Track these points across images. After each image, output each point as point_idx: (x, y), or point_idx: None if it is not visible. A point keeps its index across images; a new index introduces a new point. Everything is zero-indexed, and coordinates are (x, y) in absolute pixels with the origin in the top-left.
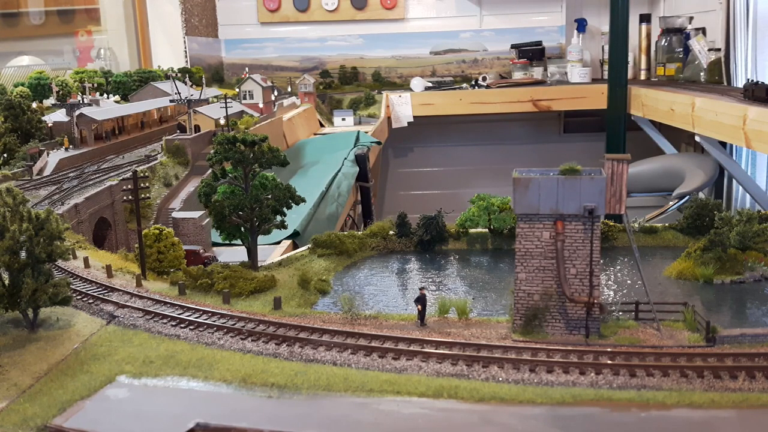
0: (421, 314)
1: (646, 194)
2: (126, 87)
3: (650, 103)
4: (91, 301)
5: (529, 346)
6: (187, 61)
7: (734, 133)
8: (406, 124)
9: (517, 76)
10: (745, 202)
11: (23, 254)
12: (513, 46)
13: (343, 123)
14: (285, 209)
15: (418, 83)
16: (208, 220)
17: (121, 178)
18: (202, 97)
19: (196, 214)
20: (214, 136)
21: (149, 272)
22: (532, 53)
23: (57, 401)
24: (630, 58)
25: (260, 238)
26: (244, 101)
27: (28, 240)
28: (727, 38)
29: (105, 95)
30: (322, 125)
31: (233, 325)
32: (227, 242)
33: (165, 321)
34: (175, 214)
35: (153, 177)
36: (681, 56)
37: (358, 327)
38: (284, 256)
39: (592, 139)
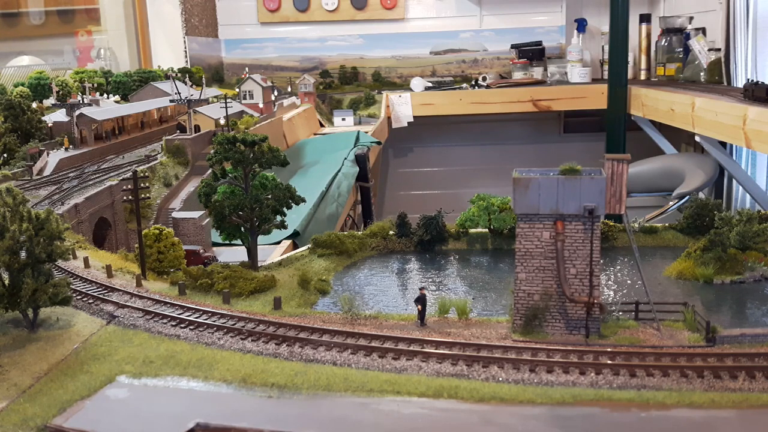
0: (421, 314)
1: (646, 194)
2: (126, 87)
3: (650, 103)
4: (91, 301)
5: (529, 346)
6: (187, 61)
7: (734, 133)
8: (406, 124)
9: (517, 76)
10: (745, 202)
11: (23, 254)
12: (513, 46)
13: (343, 123)
14: (285, 209)
15: (418, 83)
16: (208, 220)
17: (121, 178)
18: (202, 97)
19: (196, 214)
20: (214, 136)
21: (149, 272)
22: (532, 53)
23: (57, 401)
24: (630, 58)
25: (260, 238)
26: (244, 101)
27: (28, 240)
28: (727, 38)
29: (105, 95)
30: (322, 125)
31: (233, 325)
32: (227, 242)
33: (165, 321)
34: (175, 214)
35: (153, 177)
36: (681, 56)
37: (358, 327)
38: (284, 256)
39: (592, 139)
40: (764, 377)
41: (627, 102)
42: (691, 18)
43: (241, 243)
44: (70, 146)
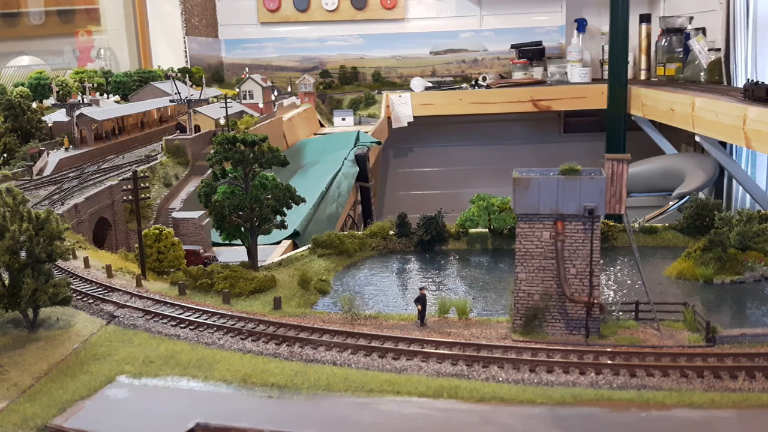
0: (421, 314)
1: (646, 194)
2: (126, 87)
3: (650, 103)
4: (91, 301)
5: (529, 346)
6: (187, 61)
7: (734, 133)
8: (406, 124)
9: (517, 76)
10: (745, 202)
11: (23, 254)
12: (513, 46)
13: (343, 123)
14: (285, 209)
15: (418, 83)
16: (208, 220)
17: (121, 178)
18: (202, 97)
19: (196, 214)
20: (214, 136)
21: (149, 272)
22: (532, 53)
23: (57, 401)
24: (630, 58)
25: (260, 238)
26: (244, 101)
27: (28, 240)
28: (727, 38)
29: (105, 95)
30: (322, 125)
31: (233, 325)
32: (227, 242)
33: (165, 321)
34: (175, 214)
35: (153, 177)
36: (681, 56)
37: (358, 327)
38: (284, 256)
39: (592, 139)
40: (764, 377)
41: (627, 102)
42: (691, 18)
43: (241, 243)
44: (70, 146)
